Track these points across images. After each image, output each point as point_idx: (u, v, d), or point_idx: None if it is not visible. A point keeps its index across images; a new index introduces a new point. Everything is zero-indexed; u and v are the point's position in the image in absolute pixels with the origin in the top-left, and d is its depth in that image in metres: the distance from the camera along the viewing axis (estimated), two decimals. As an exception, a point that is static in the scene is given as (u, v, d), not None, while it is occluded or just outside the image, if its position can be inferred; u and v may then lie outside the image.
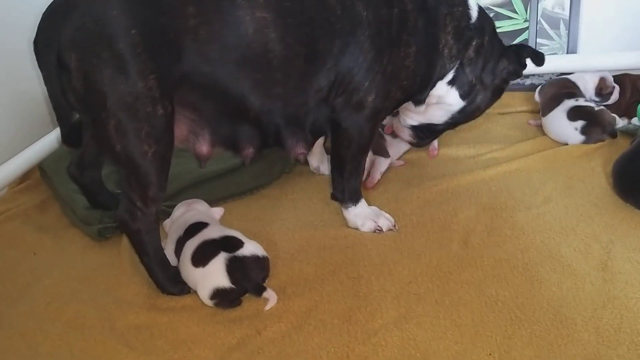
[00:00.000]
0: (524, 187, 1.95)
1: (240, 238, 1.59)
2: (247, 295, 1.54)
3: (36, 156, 2.33)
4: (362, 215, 1.83)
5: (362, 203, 1.84)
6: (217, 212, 1.81)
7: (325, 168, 2.17)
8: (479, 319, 1.41)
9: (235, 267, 1.50)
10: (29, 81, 2.59)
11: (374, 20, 1.62)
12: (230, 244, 1.56)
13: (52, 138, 2.44)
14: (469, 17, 1.80)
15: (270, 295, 1.52)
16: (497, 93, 1.95)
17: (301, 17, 1.56)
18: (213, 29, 1.50)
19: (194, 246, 1.57)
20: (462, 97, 1.88)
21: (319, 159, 2.18)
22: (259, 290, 1.52)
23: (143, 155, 1.48)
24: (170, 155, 1.54)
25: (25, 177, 2.31)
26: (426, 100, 1.87)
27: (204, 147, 1.66)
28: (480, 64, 1.84)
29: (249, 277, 1.51)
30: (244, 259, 1.53)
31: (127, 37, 1.42)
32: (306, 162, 2.19)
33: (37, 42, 1.49)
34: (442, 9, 1.75)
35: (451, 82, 1.85)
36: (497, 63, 1.88)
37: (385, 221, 1.81)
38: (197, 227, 1.65)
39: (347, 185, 1.81)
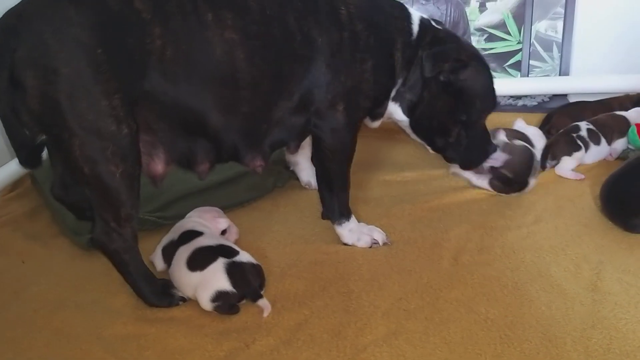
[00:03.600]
0: (514, 207, 1.96)
1: (235, 247, 1.62)
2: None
3: (28, 164, 2.31)
4: (357, 230, 1.83)
5: (353, 218, 1.85)
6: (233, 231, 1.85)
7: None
8: (468, 337, 1.41)
9: (235, 272, 1.53)
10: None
11: (328, 44, 1.65)
12: (226, 251, 1.59)
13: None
14: (410, 33, 1.81)
15: (264, 304, 1.52)
16: (444, 96, 1.85)
17: (267, 39, 1.59)
18: (180, 49, 1.49)
19: (189, 252, 1.59)
20: (404, 112, 1.89)
21: (309, 174, 2.19)
22: (256, 295, 1.53)
23: (111, 175, 1.46)
24: (139, 173, 1.52)
25: (16, 184, 2.31)
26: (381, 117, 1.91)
27: (159, 167, 1.63)
28: (419, 79, 1.83)
29: (247, 281, 1.54)
30: (242, 264, 1.56)
31: (91, 56, 1.39)
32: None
33: None
34: (394, 24, 1.79)
35: (394, 99, 1.87)
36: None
37: (379, 235, 1.82)
38: (190, 234, 1.67)
39: (338, 200, 1.82)
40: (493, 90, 1.90)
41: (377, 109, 1.86)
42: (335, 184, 1.81)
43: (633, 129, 2.22)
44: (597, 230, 1.81)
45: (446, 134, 1.91)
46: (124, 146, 1.46)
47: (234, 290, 1.51)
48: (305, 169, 2.19)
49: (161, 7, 1.47)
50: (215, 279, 1.52)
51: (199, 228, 1.71)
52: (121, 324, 1.51)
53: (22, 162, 1.54)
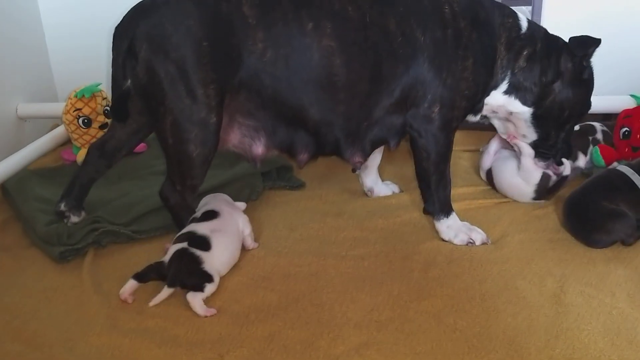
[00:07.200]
0: (482, 221, 2.00)
1: (210, 242, 1.68)
2: (208, 317, 1.55)
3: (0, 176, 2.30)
4: (454, 227, 1.90)
5: (454, 215, 1.91)
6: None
7: (379, 190, 2.23)
8: (437, 347, 1.45)
9: (175, 257, 1.63)
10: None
11: (431, 42, 1.74)
12: (199, 241, 1.67)
13: (16, 158, 2.42)
14: (519, 27, 1.88)
15: (155, 299, 1.60)
16: (577, 85, 1.91)
17: (365, 44, 1.70)
18: (280, 53, 1.67)
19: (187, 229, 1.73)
20: (526, 103, 1.92)
21: (373, 180, 2.24)
22: (170, 283, 1.60)
23: (189, 154, 1.68)
24: (212, 157, 1.73)
25: (-14, 196, 2.28)
26: (485, 111, 1.97)
27: (259, 149, 1.81)
28: (538, 70, 1.88)
29: (178, 267, 1.61)
30: (189, 253, 1.64)
31: (197, 46, 1.61)
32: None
33: (117, 29, 1.70)
34: (496, 19, 1.85)
35: (507, 92, 1.91)
36: (558, 61, 1.89)
37: (477, 235, 1.88)
38: (210, 214, 1.78)
39: (437, 197, 1.90)
40: None
41: (475, 105, 1.92)
42: (432, 183, 1.89)
43: (597, 149, 2.31)
44: (561, 245, 1.87)
45: (563, 128, 1.98)
46: (208, 132, 1.67)
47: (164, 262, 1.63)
48: (370, 175, 2.24)
49: (266, 15, 1.67)
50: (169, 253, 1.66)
51: (217, 208, 1.80)
52: (94, 335, 1.51)
53: (115, 117, 1.85)
